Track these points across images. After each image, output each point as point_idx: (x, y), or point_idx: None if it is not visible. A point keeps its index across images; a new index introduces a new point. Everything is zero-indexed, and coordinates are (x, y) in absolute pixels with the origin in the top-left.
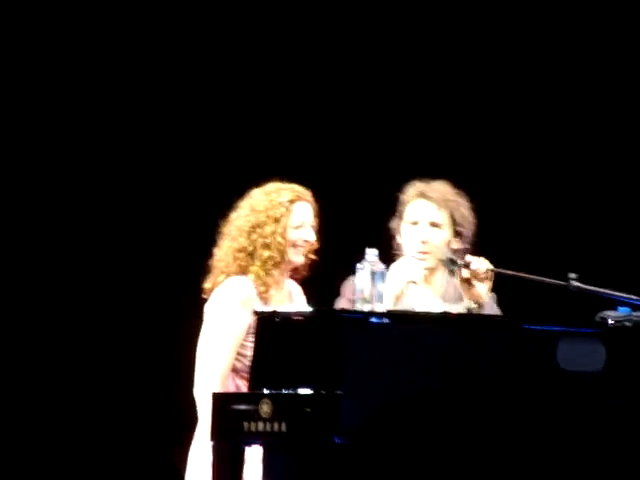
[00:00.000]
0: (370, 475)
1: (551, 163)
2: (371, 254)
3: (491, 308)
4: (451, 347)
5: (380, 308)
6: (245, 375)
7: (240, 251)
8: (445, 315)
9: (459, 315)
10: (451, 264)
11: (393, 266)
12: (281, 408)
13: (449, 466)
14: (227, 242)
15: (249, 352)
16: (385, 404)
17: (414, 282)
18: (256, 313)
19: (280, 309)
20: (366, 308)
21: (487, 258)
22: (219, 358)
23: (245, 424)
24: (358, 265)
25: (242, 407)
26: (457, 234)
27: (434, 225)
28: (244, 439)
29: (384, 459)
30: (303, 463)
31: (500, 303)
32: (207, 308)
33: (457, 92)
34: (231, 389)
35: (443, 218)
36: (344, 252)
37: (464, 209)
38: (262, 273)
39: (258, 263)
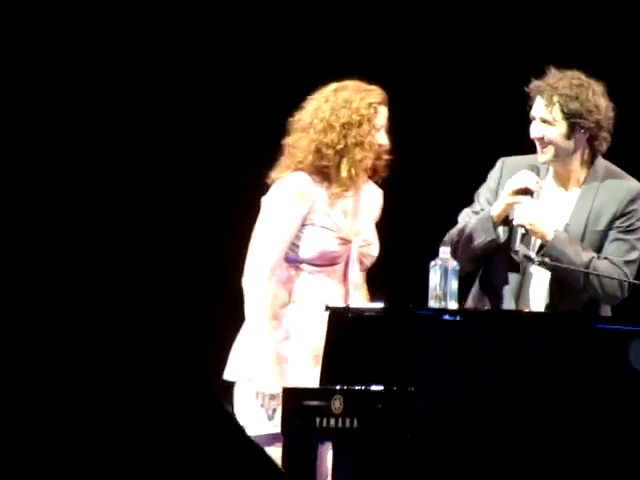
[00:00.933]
0: (439, 472)
1: None
2: (444, 251)
3: None
4: (523, 345)
5: (453, 305)
6: (298, 265)
7: (329, 147)
8: (516, 313)
9: (530, 313)
10: (527, 261)
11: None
12: (352, 404)
13: (518, 465)
14: (309, 135)
15: (302, 242)
16: (456, 402)
17: (528, 192)
18: (328, 308)
19: (353, 305)
20: (439, 305)
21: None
22: (271, 248)
23: (317, 420)
24: (431, 263)
25: (314, 403)
26: (572, 126)
27: (544, 121)
28: (316, 435)
29: (454, 456)
30: (374, 459)
31: None
32: (265, 199)
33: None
34: (283, 278)
35: (553, 113)
36: (417, 249)
37: (582, 99)
38: (352, 173)
39: (348, 162)
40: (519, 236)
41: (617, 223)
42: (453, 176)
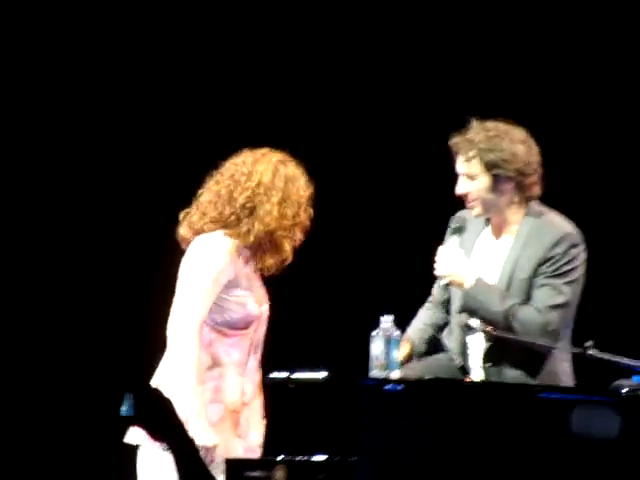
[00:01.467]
0: None
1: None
2: (386, 321)
3: None
4: (465, 415)
5: (395, 375)
6: (220, 328)
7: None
8: (458, 383)
9: (472, 384)
10: (468, 330)
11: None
12: (295, 475)
13: None
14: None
15: (227, 305)
16: (400, 472)
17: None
18: (270, 380)
19: (294, 375)
20: (381, 374)
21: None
22: (202, 304)
23: None
24: (373, 332)
25: (256, 474)
26: (494, 178)
27: (467, 177)
28: None
29: None
30: None
31: None
32: (196, 251)
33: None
34: (204, 342)
35: (473, 167)
36: (360, 318)
37: (498, 149)
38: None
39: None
40: (441, 287)
41: (542, 269)
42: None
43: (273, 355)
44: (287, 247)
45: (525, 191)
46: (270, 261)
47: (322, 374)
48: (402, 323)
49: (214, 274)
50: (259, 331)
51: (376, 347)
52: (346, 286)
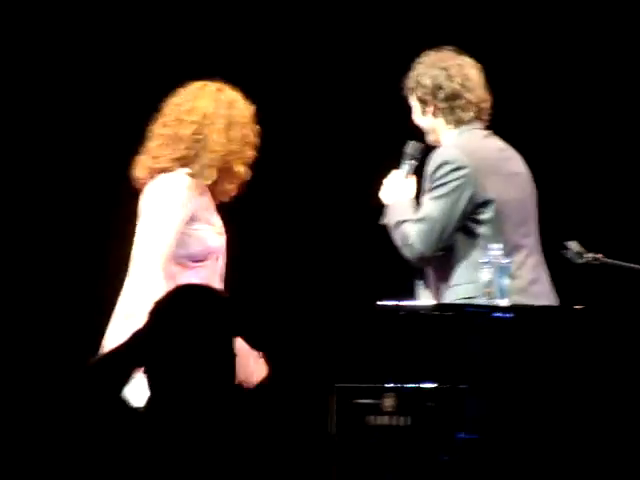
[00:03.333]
0: (492, 471)
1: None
2: (494, 249)
3: None
4: (573, 340)
5: (504, 302)
6: (182, 261)
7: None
8: (567, 308)
9: (582, 309)
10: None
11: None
12: (404, 402)
13: (571, 462)
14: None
15: (189, 239)
16: (509, 399)
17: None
18: (379, 306)
19: (404, 303)
20: (490, 302)
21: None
22: (164, 239)
23: (368, 418)
24: (482, 259)
25: (365, 400)
26: (421, 103)
27: (412, 111)
28: (367, 433)
29: (507, 454)
30: (426, 457)
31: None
32: (155, 188)
33: None
34: (166, 275)
35: (412, 99)
36: None
37: (414, 74)
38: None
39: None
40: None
41: (425, 187)
42: None
43: (382, 285)
44: (241, 169)
45: (453, 114)
46: (228, 186)
47: (431, 302)
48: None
49: (176, 211)
50: (220, 262)
51: (485, 275)
52: None
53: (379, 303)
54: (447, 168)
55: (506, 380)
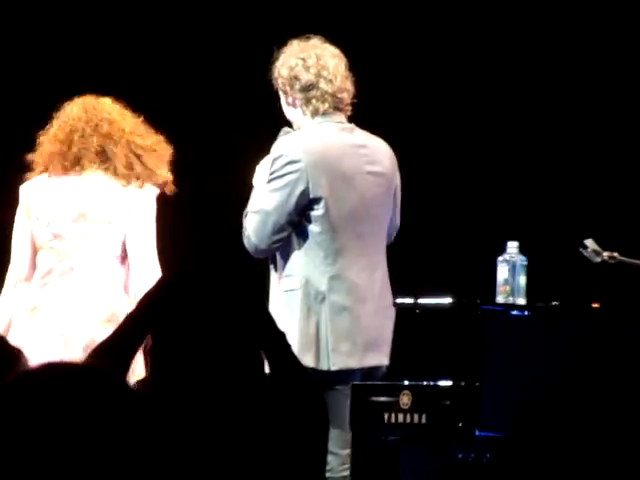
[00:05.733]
0: (508, 467)
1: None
2: (511, 247)
3: None
4: (593, 339)
5: (521, 301)
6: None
7: None
8: (586, 307)
9: (600, 307)
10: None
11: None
12: (421, 400)
13: (589, 460)
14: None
15: None
16: (525, 396)
17: None
18: (396, 305)
19: (420, 300)
20: (506, 300)
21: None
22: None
23: (385, 415)
24: (499, 258)
25: (382, 399)
26: (282, 92)
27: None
28: (384, 430)
29: (524, 451)
30: (442, 454)
31: None
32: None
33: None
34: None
35: (277, 89)
36: (484, 244)
37: (275, 64)
38: None
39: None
40: None
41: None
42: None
43: (400, 281)
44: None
45: (309, 105)
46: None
47: (448, 300)
48: (528, 249)
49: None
50: None
51: (501, 273)
52: (473, 212)
53: (395, 301)
54: (282, 161)
55: (522, 377)
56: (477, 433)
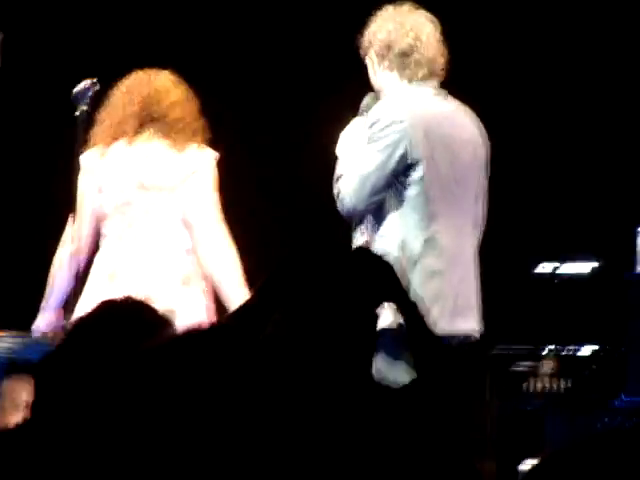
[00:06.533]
0: None
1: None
2: None
3: None
4: None
5: None
6: None
7: None
8: None
9: None
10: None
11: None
12: (565, 366)
13: None
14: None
15: None
16: None
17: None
18: (536, 275)
19: (561, 268)
20: None
21: None
22: None
23: (527, 383)
24: (639, 227)
25: (524, 366)
26: (372, 59)
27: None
28: (526, 399)
29: None
30: (587, 421)
31: None
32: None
33: None
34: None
35: (367, 55)
36: (628, 211)
37: (363, 33)
38: None
39: None
40: None
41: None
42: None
43: (540, 247)
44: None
45: (405, 70)
46: None
47: (589, 266)
48: None
49: None
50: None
51: None
52: (616, 178)
53: (535, 271)
54: (384, 123)
55: None
56: (623, 399)
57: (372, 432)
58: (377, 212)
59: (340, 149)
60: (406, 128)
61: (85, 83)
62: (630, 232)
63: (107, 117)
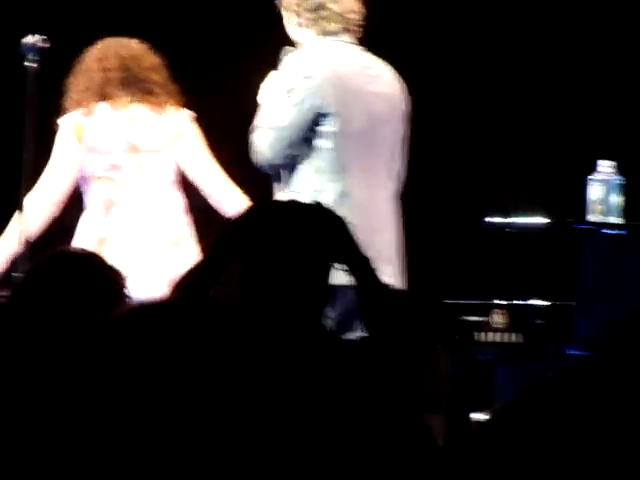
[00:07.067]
0: (604, 388)
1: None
2: (605, 166)
3: None
4: None
5: (614, 220)
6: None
7: None
8: None
9: None
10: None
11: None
12: (514, 319)
13: None
14: None
15: None
16: (619, 316)
17: None
18: (487, 224)
19: (512, 221)
20: (601, 220)
21: None
22: None
23: (476, 334)
24: (589, 177)
25: (473, 318)
26: (290, 12)
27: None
28: (475, 349)
29: (619, 371)
30: (535, 374)
31: None
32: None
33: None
34: None
35: (282, 9)
36: (575, 162)
37: None
38: None
39: None
40: None
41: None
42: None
43: (491, 201)
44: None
45: (318, 25)
46: None
47: (540, 219)
48: (624, 169)
49: None
50: None
51: (594, 192)
52: (564, 130)
53: (486, 220)
54: (296, 76)
55: (616, 296)
56: (569, 351)
57: (321, 385)
58: (291, 166)
59: (260, 99)
60: (317, 83)
61: (35, 37)
62: (581, 183)
63: (84, 81)
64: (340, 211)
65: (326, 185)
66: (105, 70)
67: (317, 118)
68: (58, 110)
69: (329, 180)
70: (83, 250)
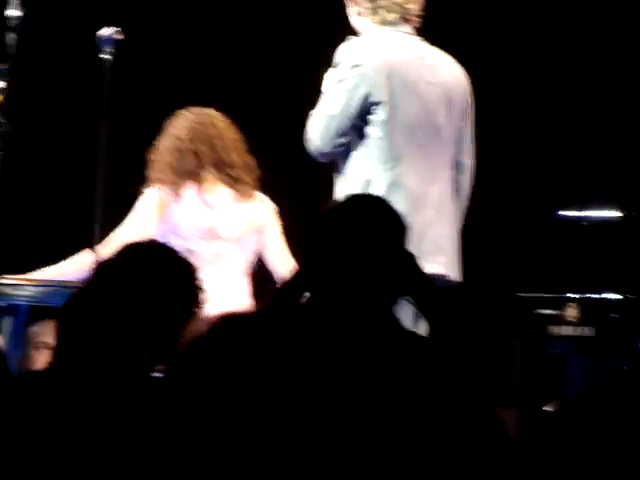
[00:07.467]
0: None
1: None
2: None
3: None
4: None
5: None
6: None
7: None
8: None
9: None
10: None
11: None
12: (588, 312)
13: None
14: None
15: None
16: None
17: None
18: (561, 217)
19: (585, 214)
20: None
21: None
22: None
23: (549, 328)
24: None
25: (547, 311)
26: (351, 2)
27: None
28: (549, 342)
29: None
30: (607, 367)
31: None
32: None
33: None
34: None
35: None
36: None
37: None
38: None
39: None
40: None
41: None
42: None
43: (565, 194)
44: None
45: (376, 15)
46: None
47: (613, 213)
48: None
49: None
50: None
51: None
52: None
53: (560, 213)
54: (347, 65)
55: None
56: None
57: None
58: (345, 154)
59: (324, 89)
60: (365, 71)
61: (110, 30)
62: None
63: (174, 160)
64: (391, 201)
65: (377, 174)
66: (197, 153)
67: (367, 106)
68: (132, 105)
69: (380, 169)
70: (154, 242)
